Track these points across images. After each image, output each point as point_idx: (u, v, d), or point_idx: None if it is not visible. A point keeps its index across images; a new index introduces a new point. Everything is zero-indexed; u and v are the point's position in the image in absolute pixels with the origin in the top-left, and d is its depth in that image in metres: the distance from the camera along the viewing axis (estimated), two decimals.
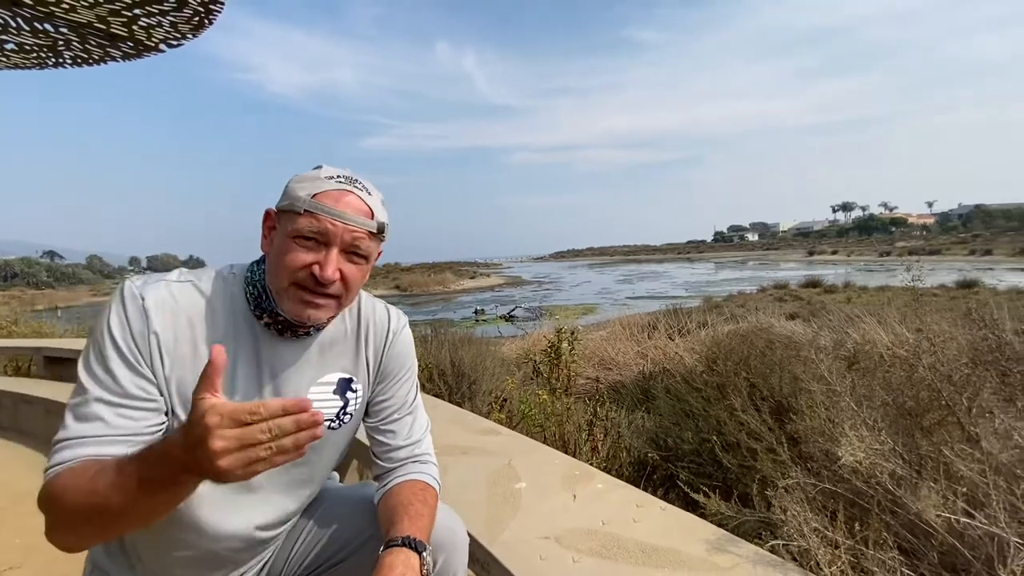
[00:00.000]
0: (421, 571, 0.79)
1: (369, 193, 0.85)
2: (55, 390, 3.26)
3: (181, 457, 0.60)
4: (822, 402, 1.61)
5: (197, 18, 2.86)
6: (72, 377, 0.78)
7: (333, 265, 0.80)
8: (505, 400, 3.86)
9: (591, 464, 2.20)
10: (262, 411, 0.59)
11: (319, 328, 0.90)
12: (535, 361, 4.36)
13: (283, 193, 0.83)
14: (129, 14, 2.75)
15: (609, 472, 2.32)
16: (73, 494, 0.67)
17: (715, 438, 2.27)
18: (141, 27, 2.89)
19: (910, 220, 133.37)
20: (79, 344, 4.12)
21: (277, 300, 0.83)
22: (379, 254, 0.89)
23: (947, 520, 0.96)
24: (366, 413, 1.01)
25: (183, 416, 0.78)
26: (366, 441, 1.04)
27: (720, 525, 1.30)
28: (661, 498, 1.53)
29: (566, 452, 2.47)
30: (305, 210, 0.79)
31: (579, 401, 3.40)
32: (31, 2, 2.70)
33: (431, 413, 2.47)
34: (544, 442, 2.39)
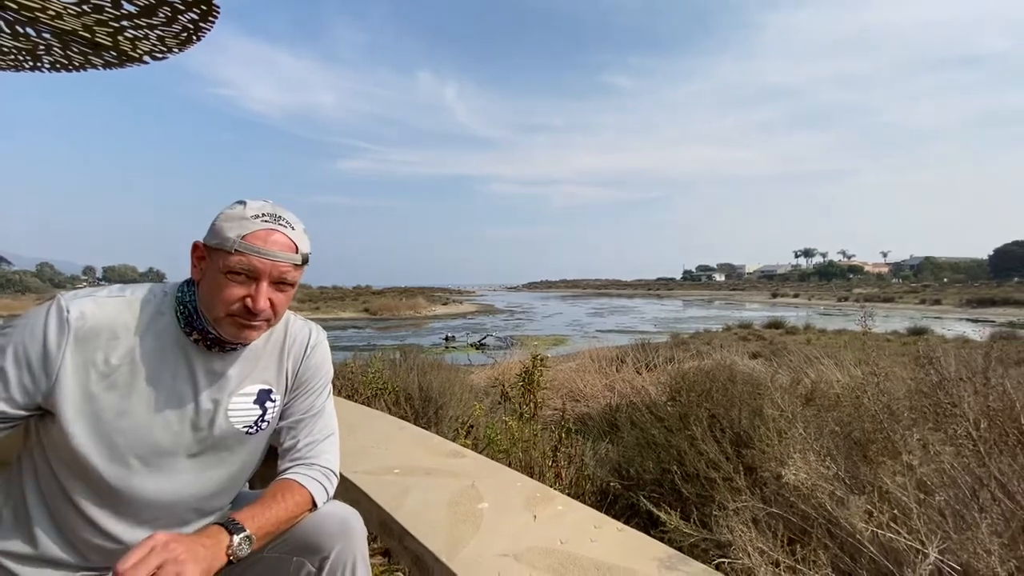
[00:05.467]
0: (227, 550, 0.82)
1: (293, 228, 0.93)
2: None
3: None
4: (776, 428, 1.70)
5: (185, 34, 2.89)
6: None
7: (264, 297, 0.89)
8: (472, 427, 3.84)
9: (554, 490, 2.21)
10: None
11: (245, 344, 0.97)
12: (504, 387, 4.38)
13: (211, 230, 0.90)
14: (116, 25, 2.77)
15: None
16: None
17: (676, 468, 2.32)
18: (127, 38, 2.90)
19: (866, 268, 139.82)
20: None
21: (214, 325, 0.91)
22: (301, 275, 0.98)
23: (874, 534, 1.03)
24: (280, 417, 1.07)
25: (70, 419, 0.84)
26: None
27: (676, 543, 1.34)
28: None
29: (531, 477, 2.48)
30: (236, 250, 0.87)
31: (546, 429, 3.42)
32: (15, 6, 2.69)
33: (397, 435, 2.46)
34: (509, 467, 2.40)
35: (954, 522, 1.20)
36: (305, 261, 0.94)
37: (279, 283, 0.91)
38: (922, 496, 1.07)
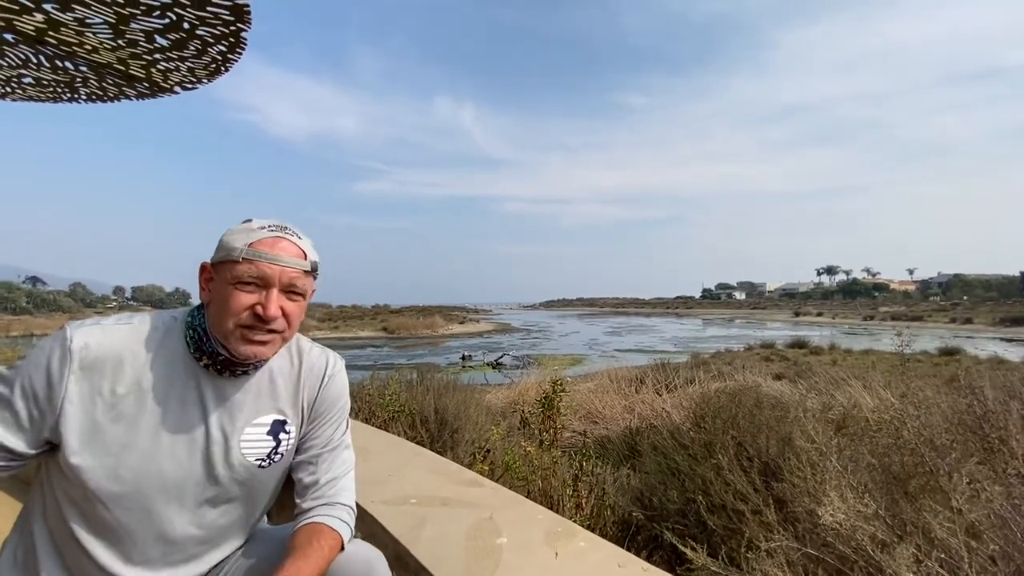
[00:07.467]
0: None
1: (300, 237, 0.92)
2: None
3: None
4: (809, 461, 1.62)
5: (214, 65, 2.99)
6: None
7: (275, 303, 0.87)
8: (488, 451, 3.78)
9: (575, 521, 2.14)
10: None
11: (257, 367, 0.95)
12: (523, 412, 4.32)
13: (218, 247, 0.89)
14: (150, 58, 2.88)
15: (593, 531, 2.26)
16: None
17: (701, 498, 2.24)
18: (159, 70, 3.01)
19: (892, 286, 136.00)
20: None
21: (225, 343, 0.88)
22: (314, 291, 0.96)
23: None
24: (296, 450, 1.04)
25: (76, 451, 0.82)
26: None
27: None
28: (645, 559, 1.50)
29: (550, 508, 2.41)
30: (243, 258, 0.85)
31: (565, 455, 3.35)
32: (55, 41, 2.82)
33: (414, 462, 2.42)
34: (528, 496, 2.34)
35: (1004, 567, 1.11)
36: (314, 269, 0.93)
37: (289, 291, 0.89)
38: (972, 543, 0.99)
